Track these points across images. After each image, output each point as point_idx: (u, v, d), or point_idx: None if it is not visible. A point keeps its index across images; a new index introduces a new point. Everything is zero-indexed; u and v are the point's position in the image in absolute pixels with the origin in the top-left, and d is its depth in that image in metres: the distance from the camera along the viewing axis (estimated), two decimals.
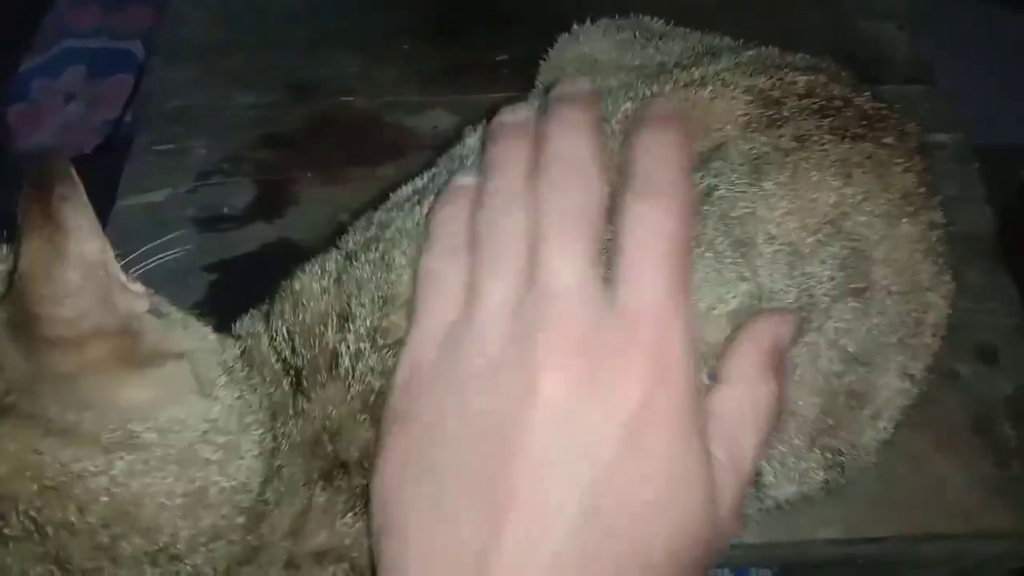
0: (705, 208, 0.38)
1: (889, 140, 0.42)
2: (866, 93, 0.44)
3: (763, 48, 0.47)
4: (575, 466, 0.29)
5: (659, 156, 0.33)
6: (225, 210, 0.65)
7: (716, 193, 0.38)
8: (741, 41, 0.50)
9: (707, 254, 0.37)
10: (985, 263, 0.60)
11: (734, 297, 0.37)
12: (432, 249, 0.35)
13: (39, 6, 1.39)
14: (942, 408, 0.54)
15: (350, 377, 0.37)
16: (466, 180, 0.37)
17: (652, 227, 0.32)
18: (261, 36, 0.76)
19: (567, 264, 0.31)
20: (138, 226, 0.63)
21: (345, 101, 0.72)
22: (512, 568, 0.28)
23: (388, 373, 0.35)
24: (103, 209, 0.51)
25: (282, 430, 0.37)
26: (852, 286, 0.39)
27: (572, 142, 0.34)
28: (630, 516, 0.29)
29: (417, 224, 0.39)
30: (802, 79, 0.42)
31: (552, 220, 0.32)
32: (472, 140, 0.44)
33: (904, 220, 0.41)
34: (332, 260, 0.41)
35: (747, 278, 0.38)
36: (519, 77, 0.61)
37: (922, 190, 0.42)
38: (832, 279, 0.39)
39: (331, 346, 0.38)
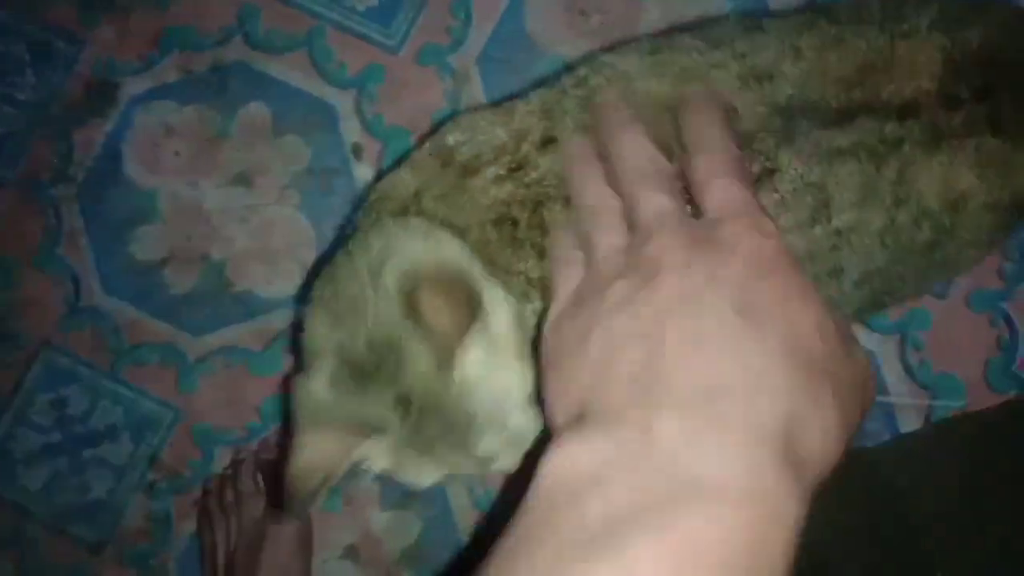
0: None
1: None
2: None
3: None
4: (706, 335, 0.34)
5: (704, 131, 0.44)
6: None
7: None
8: None
9: None
10: None
11: None
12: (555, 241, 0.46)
13: None
14: None
15: None
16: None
17: (716, 166, 0.41)
18: None
19: (656, 201, 0.40)
20: None
21: None
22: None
23: None
24: None
25: None
26: None
27: (630, 137, 0.44)
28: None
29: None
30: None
31: (634, 179, 0.42)
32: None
33: None
34: None
35: None
36: None
37: None
38: None
39: None
